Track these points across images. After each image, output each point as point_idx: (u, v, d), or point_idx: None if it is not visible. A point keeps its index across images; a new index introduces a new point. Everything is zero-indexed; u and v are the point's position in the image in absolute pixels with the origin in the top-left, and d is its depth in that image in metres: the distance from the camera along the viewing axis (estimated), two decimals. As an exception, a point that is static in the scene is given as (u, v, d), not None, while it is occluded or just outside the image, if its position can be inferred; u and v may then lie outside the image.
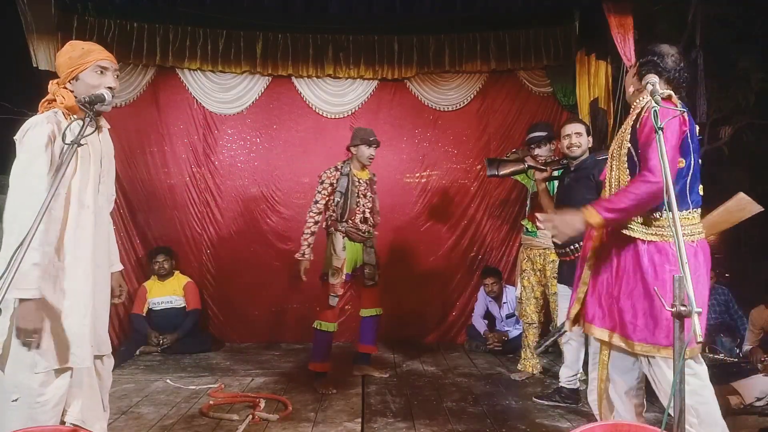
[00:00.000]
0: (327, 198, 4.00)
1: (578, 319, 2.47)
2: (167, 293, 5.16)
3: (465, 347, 5.23)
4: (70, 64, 2.12)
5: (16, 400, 1.98)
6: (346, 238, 4.00)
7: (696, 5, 6.23)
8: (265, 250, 5.50)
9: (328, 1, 4.80)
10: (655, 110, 1.94)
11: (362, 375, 4.21)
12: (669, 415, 1.68)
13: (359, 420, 3.28)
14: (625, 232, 2.24)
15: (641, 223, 2.23)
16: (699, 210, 2.30)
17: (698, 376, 2.26)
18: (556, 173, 3.92)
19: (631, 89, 2.39)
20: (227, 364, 4.66)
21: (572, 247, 3.49)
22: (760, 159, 8.58)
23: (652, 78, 2.16)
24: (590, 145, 3.70)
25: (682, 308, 1.62)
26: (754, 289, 4.88)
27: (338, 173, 4.01)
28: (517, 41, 5.41)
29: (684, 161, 2.20)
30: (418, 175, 5.69)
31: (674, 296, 1.64)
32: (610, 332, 2.30)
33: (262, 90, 5.51)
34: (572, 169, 3.66)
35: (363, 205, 4.05)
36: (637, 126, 2.21)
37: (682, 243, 1.67)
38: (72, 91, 2.14)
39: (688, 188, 2.22)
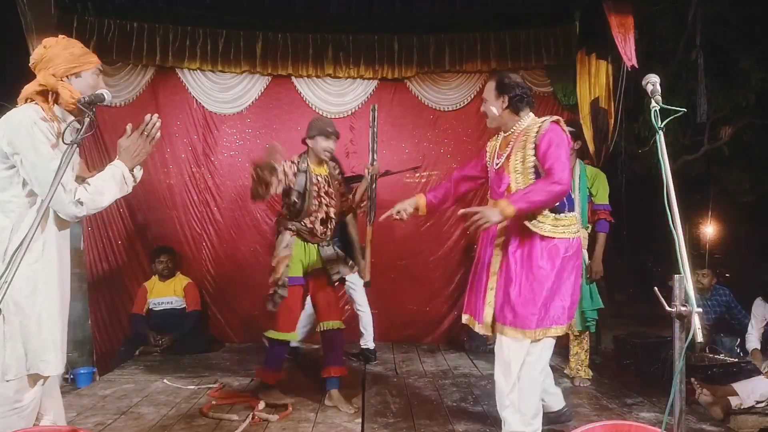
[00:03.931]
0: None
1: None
2: (168, 294, 5.15)
3: (465, 347, 5.23)
4: (73, 60, 2.06)
5: None
6: (295, 237, 3.49)
7: (696, 5, 6.23)
8: (266, 250, 5.49)
9: (329, 1, 4.80)
10: (656, 110, 1.95)
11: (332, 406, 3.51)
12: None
13: (359, 420, 3.27)
14: (534, 229, 2.62)
15: (556, 226, 2.62)
16: (574, 212, 2.76)
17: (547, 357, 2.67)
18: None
19: (497, 117, 2.80)
20: (227, 364, 4.66)
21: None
22: (760, 159, 8.58)
23: (653, 78, 2.16)
24: None
25: (683, 308, 1.62)
26: (754, 289, 4.88)
27: (294, 167, 3.45)
28: (517, 41, 5.40)
29: None
30: (417, 175, 5.68)
31: (673, 296, 1.64)
32: (508, 326, 2.65)
33: (262, 90, 5.50)
34: None
35: (324, 205, 3.51)
36: (537, 143, 2.61)
37: (682, 243, 1.67)
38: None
39: (571, 194, 2.71)
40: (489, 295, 2.74)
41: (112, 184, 2.04)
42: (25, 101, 2.03)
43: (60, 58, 2.05)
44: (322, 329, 3.59)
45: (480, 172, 3.00)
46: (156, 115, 2.12)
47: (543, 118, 2.70)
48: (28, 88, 2.04)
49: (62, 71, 2.04)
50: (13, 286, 1.86)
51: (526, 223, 2.61)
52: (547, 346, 2.65)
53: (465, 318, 2.91)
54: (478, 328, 2.79)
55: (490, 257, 2.78)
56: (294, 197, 3.44)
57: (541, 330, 2.58)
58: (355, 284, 4.64)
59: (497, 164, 2.79)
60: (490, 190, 2.87)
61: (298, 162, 3.49)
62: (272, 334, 3.46)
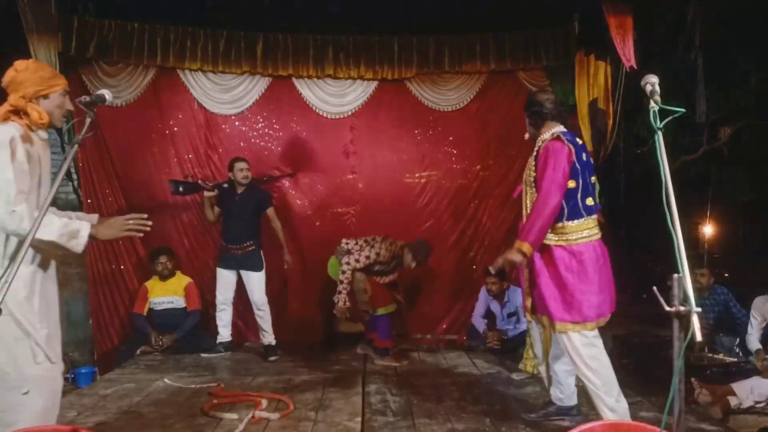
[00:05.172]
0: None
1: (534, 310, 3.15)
2: (168, 293, 5.16)
3: (465, 347, 5.24)
4: (41, 83, 2.20)
5: (26, 393, 2.05)
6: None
7: (696, 5, 6.23)
8: (266, 251, 5.49)
9: (329, 1, 4.82)
10: (655, 111, 1.96)
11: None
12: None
13: (359, 419, 3.28)
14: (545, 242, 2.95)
15: (552, 234, 2.94)
16: (594, 216, 2.96)
17: (595, 345, 2.92)
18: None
19: (527, 135, 3.15)
20: (228, 364, 4.67)
21: (246, 243, 4.89)
22: (760, 159, 8.58)
23: (652, 78, 2.17)
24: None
25: (682, 308, 1.63)
26: (753, 288, 4.88)
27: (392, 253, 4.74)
28: (516, 42, 5.41)
29: (575, 182, 2.89)
30: (417, 175, 5.69)
31: (672, 295, 1.65)
32: (544, 316, 3.00)
33: (263, 90, 5.51)
34: (239, 192, 4.90)
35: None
36: (537, 159, 2.95)
37: (681, 243, 1.68)
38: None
39: (580, 202, 2.91)
40: (526, 285, 3.14)
41: (58, 227, 2.07)
42: (4, 121, 2.15)
43: (30, 81, 2.20)
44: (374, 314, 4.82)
45: None
46: (150, 222, 2.26)
47: (548, 136, 3.00)
48: (1, 110, 2.17)
49: (31, 93, 2.18)
50: (12, 289, 1.96)
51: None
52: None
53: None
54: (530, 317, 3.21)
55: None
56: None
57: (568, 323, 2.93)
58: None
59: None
60: None
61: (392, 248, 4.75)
62: (379, 311, 4.75)
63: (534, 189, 2.97)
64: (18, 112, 2.15)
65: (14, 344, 2.05)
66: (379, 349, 4.74)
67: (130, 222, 2.21)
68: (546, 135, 3.03)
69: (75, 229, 2.09)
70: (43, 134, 2.24)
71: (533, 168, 2.99)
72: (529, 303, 3.14)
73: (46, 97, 2.21)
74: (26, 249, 1.74)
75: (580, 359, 2.91)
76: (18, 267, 1.71)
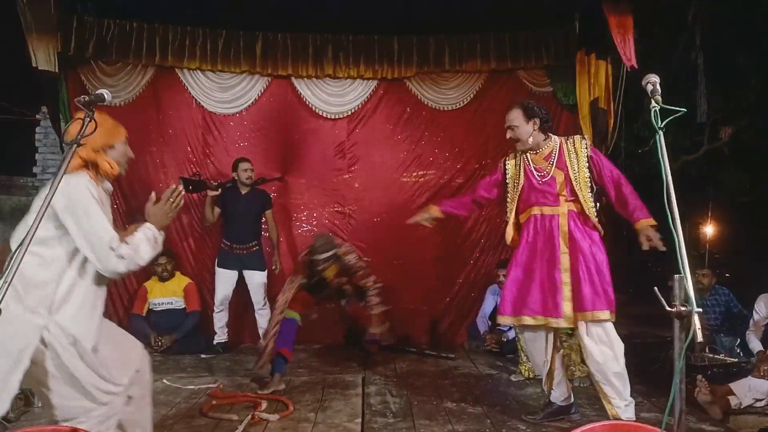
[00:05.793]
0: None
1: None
2: (168, 294, 5.15)
3: (465, 347, 5.23)
4: (106, 134, 2.25)
5: (82, 422, 2.08)
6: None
7: (696, 5, 6.24)
8: (264, 251, 5.49)
9: (329, 1, 4.81)
10: (656, 110, 1.95)
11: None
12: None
13: (359, 420, 3.27)
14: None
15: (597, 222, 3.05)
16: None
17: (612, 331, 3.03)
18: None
19: (530, 139, 3.08)
20: (227, 365, 4.66)
21: (251, 243, 4.95)
22: (760, 159, 8.58)
23: (653, 78, 2.16)
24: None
25: (683, 308, 1.62)
26: (754, 288, 4.87)
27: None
28: (517, 41, 5.41)
29: None
30: (415, 174, 5.68)
31: (673, 296, 1.64)
32: (587, 312, 2.98)
33: (262, 90, 5.51)
34: (243, 192, 4.94)
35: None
36: (590, 158, 3.05)
37: (682, 243, 1.67)
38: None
39: None
40: (565, 290, 3.01)
41: (145, 242, 2.17)
42: (74, 172, 2.18)
43: (97, 133, 2.15)
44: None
45: (493, 191, 3.35)
46: (181, 187, 2.29)
47: (574, 137, 3.13)
48: (73, 164, 2.17)
49: (99, 145, 2.22)
50: (58, 334, 2.06)
51: (595, 222, 3.04)
52: None
53: (531, 320, 3.09)
54: (555, 323, 3.04)
55: (553, 258, 3.04)
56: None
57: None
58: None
59: (542, 177, 3.10)
60: (531, 200, 3.13)
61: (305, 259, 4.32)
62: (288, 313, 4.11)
63: (588, 183, 3.05)
64: (87, 165, 2.19)
65: (65, 384, 2.09)
66: (277, 358, 4.03)
67: (171, 201, 2.24)
68: (555, 138, 3.15)
69: (153, 236, 2.18)
70: (108, 186, 2.29)
71: (585, 167, 3.04)
72: (570, 306, 3.01)
73: (111, 147, 2.28)
74: (15, 270, 1.71)
75: (616, 350, 3.00)
76: (16, 268, 1.69)
